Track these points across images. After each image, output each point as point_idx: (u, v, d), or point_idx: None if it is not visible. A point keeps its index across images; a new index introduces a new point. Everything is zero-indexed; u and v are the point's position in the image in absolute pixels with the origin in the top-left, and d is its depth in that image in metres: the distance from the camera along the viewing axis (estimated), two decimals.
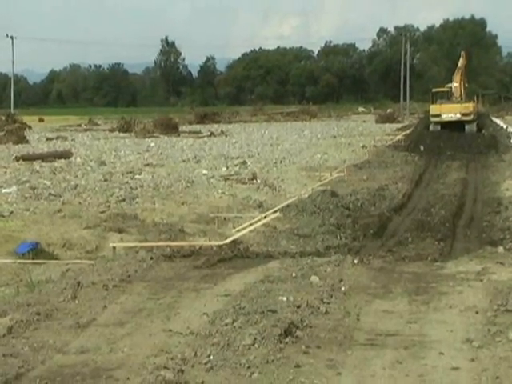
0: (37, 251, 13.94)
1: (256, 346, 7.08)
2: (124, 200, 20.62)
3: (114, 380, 6.26)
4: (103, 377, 6.36)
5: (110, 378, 6.31)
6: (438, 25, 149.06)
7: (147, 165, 30.15)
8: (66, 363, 6.71)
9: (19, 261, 13.45)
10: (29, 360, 6.67)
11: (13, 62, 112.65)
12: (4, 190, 23.17)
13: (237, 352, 6.95)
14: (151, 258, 11.88)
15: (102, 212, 18.67)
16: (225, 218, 17.74)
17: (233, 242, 13.81)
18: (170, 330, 7.69)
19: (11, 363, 6.53)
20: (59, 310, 8.44)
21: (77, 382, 6.27)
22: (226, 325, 7.73)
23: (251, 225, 16.18)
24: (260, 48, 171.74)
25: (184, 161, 31.93)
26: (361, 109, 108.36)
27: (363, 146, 40.03)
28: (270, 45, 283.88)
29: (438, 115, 44.17)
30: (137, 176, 26.26)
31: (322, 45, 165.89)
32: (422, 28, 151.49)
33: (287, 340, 7.27)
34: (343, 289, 9.56)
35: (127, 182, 24.41)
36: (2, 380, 6.08)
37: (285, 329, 7.44)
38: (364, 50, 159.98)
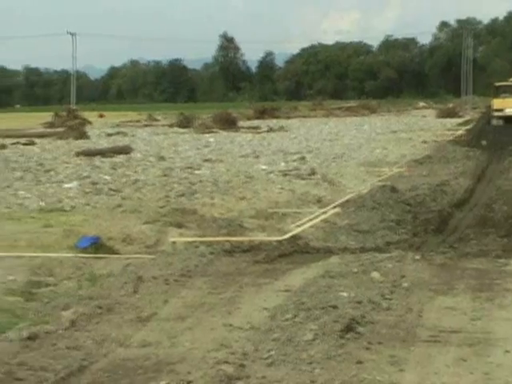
0: (97, 245, 14.05)
1: (317, 341, 7.03)
2: (183, 195, 20.71)
3: (175, 374, 6.27)
4: (165, 370, 6.37)
5: (171, 372, 6.32)
6: (501, 17, 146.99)
7: (206, 160, 30.24)
8: (128, 356, 6.75)
9: (80, 255, 13.58)
10: (92, 353, 6.72)
11: (74, 58, 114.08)
12: (65, 185, 23.46)
13: (298, 347, 6.91)
14: (211, 253, 11.90)
15: (162, 207, 18.77)
16: (284, 214, 17.69)
17: (292, 237, 13.78)
18: (231, 325, 7.68)
19: (75, 356, 6.58)
20: (121, 304, 8.49)
21: (139, 375, 6.30)
22: (287, 320, 7.70)
23: (310, 220, 16.11)
24: (319, 43, 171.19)
25: (243, 156, 31.96)
26: (421, 103, 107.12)
27: (423, 141, 39.61)
28: (329, 39, 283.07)
29: (501, 110, 43.58)
30: (196, 171, 26.35)
31: (382, 39, 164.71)
32: (485, 21, 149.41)
33: (348, 336, 7.21)
34: (405, 285, 9.45)
35: (186, 178, 24.51)
36: (66, 372, 6.14)
37: (346, 324, 7.39)
38: (424, 44, 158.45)
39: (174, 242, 13.83)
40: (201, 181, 23.46)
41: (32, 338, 7.02)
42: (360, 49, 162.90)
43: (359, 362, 6.58)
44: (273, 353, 6.75)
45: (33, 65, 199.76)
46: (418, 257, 11.44)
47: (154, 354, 6.84)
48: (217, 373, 6.16)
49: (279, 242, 13.23)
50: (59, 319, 7.70)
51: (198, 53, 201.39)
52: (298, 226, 15.55)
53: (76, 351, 6.74)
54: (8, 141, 44.02)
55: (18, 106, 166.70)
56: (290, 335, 7.19)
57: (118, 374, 6.29)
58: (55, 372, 6.10)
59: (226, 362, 6.43)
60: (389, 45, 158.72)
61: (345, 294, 8.69)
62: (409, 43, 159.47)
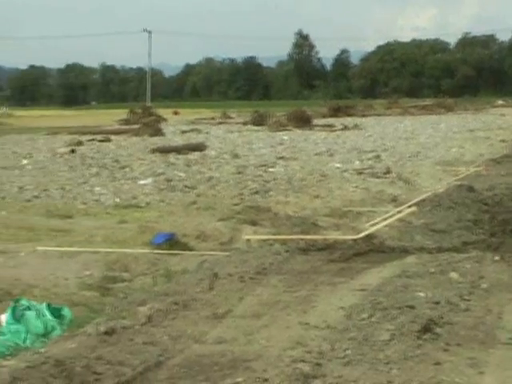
0: (172, 242, 14.15)
1: (394, 341, 6.95)
2: (257, 193, 20.76)
3: (251, 371, 6.26)
4: (240, 368, 6.37)
5: (247, 369, 6.31)
6: None
7: (280, 158, 30.25)
8: (204, 353, 6.76)
9: (155, 251, 13.69)
10: (168, 348, 6.74)
11: (149, 56, 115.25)
12: (140, 182, 23.74)
13: (374, 347, 6.84)
14: (286, 251, 11.87)
15: (236, 204, 18.83)
16: (358, 212, 17.57)
17: (367, 236, 13.67)
18: (307, 324, 7.64)
19: (151, 351, 6.62)
20: (196, 301, 8.52)
21: (215, 371, 6.30)
22: (363, 319, 7.63)
23: (385, 219, 15.96)
24: (395, 40, 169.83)
25: (317, 154, 31.88)
26: (499, 102, 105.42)
27: (502, 140, 38.99)
28: (406, 37, 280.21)
29: None
30: (270, 169, 26.39)
31: (459, 36, 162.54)
32: None
33: (426, 337, 7.10)
34: (484, 286, 9.27)
35: (260, 175, 24.56)
36: (144, 367, 6.17)
37: (423, 325, 7.28)
38: (504, 41, 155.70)
39: (248, 240, 13.84)
40: (275, 178, 23.47)
41: (109, 332, 7.08)
42: (437, 46, 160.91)
43: (437, 364, 6.47)
44: (349, 352, 6.70)
45: (109, 62, 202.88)
46: (497, 257, 11.22)
47: (230, 350, 6.84)
48: (293, 371, 6.13)
49: (354, 240, 13.13)
50: (136, 315, 7.75)
51: (273, 50, 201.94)
52: (373, 224, 15.42)
53: (152, 346, 6.78)
54: (84, 137, 44.77)
55: (93, 103, 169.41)
56: (366, 335, 7.12)
57: (194, 370, 6.30)
58: (132, 367, 6.14)
59: (303, 361, 6.39)
60: (466, 42, 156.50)
61: (422, 295, 8.58)
62: (488, 40, 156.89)
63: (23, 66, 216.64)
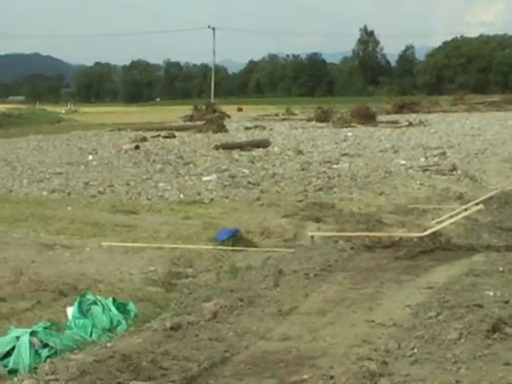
0: (236, 238, 14.18)
1: (462, 340, 6.83)
2: (321, 189, 20.70)
3: (317, 368, 6.21)
4: (306, 364, 6.32)
5: (313, 367, 6.26)
6: None
7: (344, 154, 30.13)
8: (269, 349, 6.73)
9: (219, 247, 13.73)
10: (233, 345, 6.73)
11: (214, 53, 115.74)
12: (204, 178, 23.83)
13: (442, 346, 6.73)
14: (351, 248, 11.78)
15: (300, 201, 18.80)
16: (424, 210, 17.40)
17: (433, 233, 13.48)
18: (373, 321, 7.56)
19: (217, 347, 6.61)
20: (261, 297, 8.50)
21: (280, 368, 6.27)
22: (430, 318, 7.52)
23: (451, 217, 15.75)
24: (462, 36, 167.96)
25: (381, 151, 31.66)
26: None
27: None
28: (473, 32, 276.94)
29: None
30: (334, 165, 26.30)
31: None
32: None
33: (495, 336, 6.96)
34: None
35: (324, 172, 24.49)
36: (209, 363, 6.17)
37: (492, 324, 7.13)
38: None
39: (312, 237, 13.79)
40: (339, 175, 23.39)
41: (175, 328, 7.10)
42: (505, 41, 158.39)
43: (507, 364, 6.33)
44: (416, 351, 6.60)
45: (173, 59, 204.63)
46: None
47: (295, 347, 6.80)
48: (360, 369, 6.06)
49: (420, 238, 12.97)
50: (201, 310, 7.76)
51: (337, 46, 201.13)
52: (439, 222, 15.23)
53: (218, 343, 6.77)
54: (149, 134, 45.16)
55: (158, 99, 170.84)
56: (433, 333, 7.02)
57: (260, 367, 6.28)
58: (198, 362, 6.14)
59: (369, 359, 6.32)
60: None
61: (491, 293, 8.43)
62: None
63: (89, 63, 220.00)
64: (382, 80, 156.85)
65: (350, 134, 43.11)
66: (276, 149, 33.76)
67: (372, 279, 9.65)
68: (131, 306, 9.04)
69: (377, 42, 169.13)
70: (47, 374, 5.65)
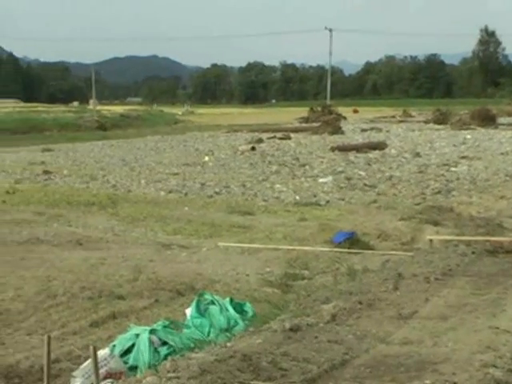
0: (353, 240, 14.09)
1: None
2: (439, 192, 20.44)
3: (439, 374, 6.05)
4: (428, 370, 6.18)
5: (435, 372, 6.11)
6: None
7: (463, 157, 29.64)
8: (390, 353, 6.61)
9: (335, 249, 13.66)
10: (353, 347, 6.65)
11: (330, 54, 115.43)
12: (321, 180, 23.81)
13: None
14: (472, 253, 11.50)
15: (417, 204, 18.59)
16: None
17: None
18: (497, 328, 7.33)
19: (336, 349, 6.54)
20: (381, 300, 8.38)
21: (401, 372, 6.14)
22: None
23: None
24: None
25: (502, 154, 31.00)
26: None
27: None
28: None
29: None
30: (452, 168, 25.91)
31: None
32: None
33: None
34: None
35: (442, 175, 24.17)
36: (329, 365, 6.10)
37: None
38: None
39: (430, 240, 13.58)
40: (458, 178, 23.03)
41: (294, 329, 7.06)
42: None
43: None
44: None
45: (289, 61, 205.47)
46: None
47: (416, 352, 6.66)
48: (484, 376, 5.87)
49: None
50: (320, 312, 7.70)
51: (456, 47, 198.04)
52: None
53: (337, 345, 6.70)
54: (264, 135, 45.41)
55: (273, 101, 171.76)
56: None
57: (380, 371, 6.17)
58: (318, 364, 6.08)
59: (494, 366, 6.12)
60: None
61: None
62: None
63: (205, 65, 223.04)
64: (503, 81, 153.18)
65: (469, 136, 42.34)
66: (393, 151, 33.47)
67: (495, 285, 9.38)
68: (248, 307, 9.05)
69: (498, 43, 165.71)
70: (168, 372, 5.68)
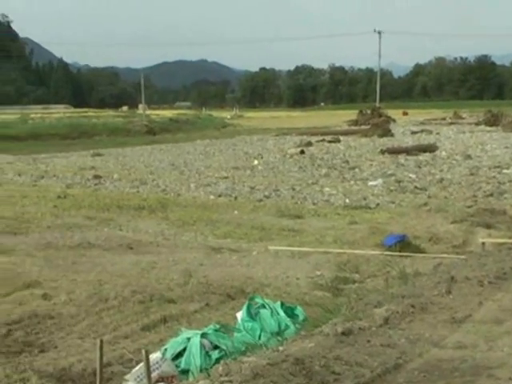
0: (404, 244, 13.98)
1: None
2: (492, 195, 20.23)
3: (495, 379, 5.96)
4: (483, 375, 6.08)
5: (490, 377, 6.02)
6: None
7: None
8: (444, 357, 6.53)
9: (386, 253, 13.56)
10: (406, 351, 6.57)
11: (379, 56, 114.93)
12: (370, 183, 23.70)
13: None
14: None
15: (469, 207, 18.41)
16: None
17: None
18: None
19: (389, 353, 6.47)
20: (434, 304, 8.27)
21: (455, 377, 6.06)
22: None
23: None
24: None
25: None
26: None
27: None
28: None
29: None
30: (505, 170, 25.64)
31: None
32: None
33: None
34: None
35: (494, 177, 23.93)
36: (382, 369, 6.04)
37: None
38: None
39: (483, 243, 13.41)
40: (510, 180, 22.76)
41: (346, 333, 7.00)
42: None
43: None
44: None
45: (338, 63, 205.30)
46: None
47: (471, 356, 6.57)
48: None
49: None
50: (372, 316, 7.63)
51: (507, 48, 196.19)
52: None
53: (390, 349, 6.63)
54: (313, 138, 45.38)
55: (322, 103, 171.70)
56: None
57: (434, 375, 6.09)
58: (371, 368, 6.02)
59: None
60: None
61: None
62: None
63: (254, 69, 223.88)
64: None
65: None
66: (443, 153, 33.22)
67: None
68: (299, 311, 9.00)
69: None
70: (221, 376, 5.67)
